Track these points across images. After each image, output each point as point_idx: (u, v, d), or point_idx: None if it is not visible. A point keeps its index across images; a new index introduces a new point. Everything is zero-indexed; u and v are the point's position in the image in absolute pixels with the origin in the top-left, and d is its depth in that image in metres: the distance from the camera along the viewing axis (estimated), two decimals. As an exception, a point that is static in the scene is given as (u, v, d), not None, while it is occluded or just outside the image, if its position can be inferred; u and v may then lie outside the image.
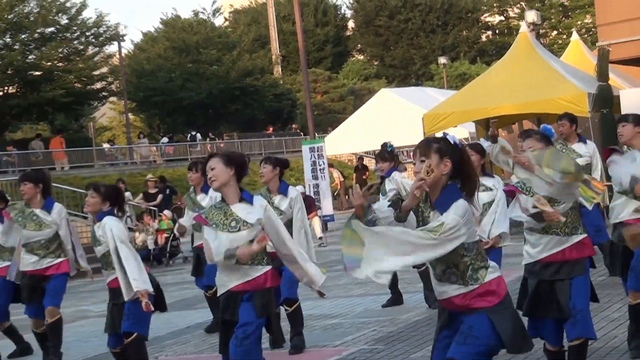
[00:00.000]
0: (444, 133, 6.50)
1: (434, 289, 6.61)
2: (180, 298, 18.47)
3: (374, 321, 13.74)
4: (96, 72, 59.67)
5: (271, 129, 66.04)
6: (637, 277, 9.34)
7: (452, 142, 6.38)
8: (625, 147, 9.75)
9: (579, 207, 8.32)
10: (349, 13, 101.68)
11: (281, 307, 11.46)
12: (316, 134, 39.25)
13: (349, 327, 12.93)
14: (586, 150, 13.54)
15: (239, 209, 8.04)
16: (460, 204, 6.18)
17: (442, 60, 76.90)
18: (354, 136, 44.26)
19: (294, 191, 11.76)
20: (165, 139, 59.87)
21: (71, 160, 46.86)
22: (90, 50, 59.48)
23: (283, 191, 11.62)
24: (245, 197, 8.18)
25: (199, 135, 58.91)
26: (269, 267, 8.22)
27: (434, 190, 6.30)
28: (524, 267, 8.24)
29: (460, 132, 42.65)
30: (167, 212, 28.52)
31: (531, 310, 8.10)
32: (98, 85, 60.34)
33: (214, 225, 7.97)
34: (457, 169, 6.35)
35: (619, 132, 9.82)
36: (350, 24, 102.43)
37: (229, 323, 8.19)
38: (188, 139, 58.92)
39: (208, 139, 59.35)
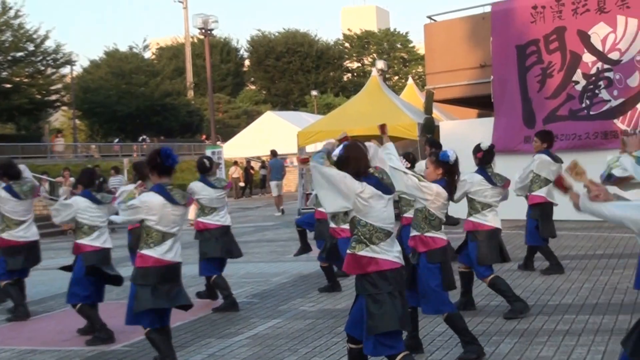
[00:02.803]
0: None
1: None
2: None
3: (252, 281, 13.79)
4: (53, 87, 59.10)
5: (204, 137, 65.98)
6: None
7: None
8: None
9: None
10: (245, 54, 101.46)
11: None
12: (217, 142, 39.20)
13: (233, 285, 12.80)
14: None
15: None
16: None
17: (314, 92, 77.22)
18: (245, 145, 44.37)
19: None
20: (117, 140, 59.87)
21: (29, 151, 46.41)
22: (49, 70, 58.80)
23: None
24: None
25: (147, 139, 58.96)
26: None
27: None
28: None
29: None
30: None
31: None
32: (53, 97, 59.59)
33: None
34: None
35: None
36: (247, 62, 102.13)
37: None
38: (139, 141, 58.98)
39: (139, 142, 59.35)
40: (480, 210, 9.63)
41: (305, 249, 13.77)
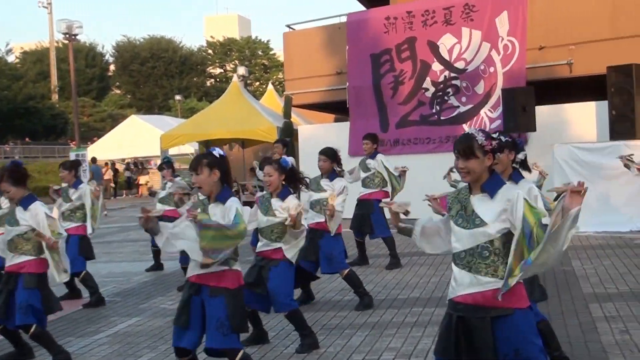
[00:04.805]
0: (211, 148, 6.12)
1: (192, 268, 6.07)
2: None
3: (114, 280, 13.57)
4: None
5: (72, 142, 64.71)
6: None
7: (218, 155, 6.04)
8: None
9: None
10: (111, 59, 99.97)
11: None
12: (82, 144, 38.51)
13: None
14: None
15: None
16: (234, 199, 5.94)
17: (178, 97, 76.72)
18: (110, 148, 43.73)
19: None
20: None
21: None
22: None
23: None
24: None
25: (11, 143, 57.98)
26: None
27: (212, 192, 5.98)
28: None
29: (187, 149, 42.61)
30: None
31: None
32: None
33: None
34: (225, 174, 6.05)
35: (319, 165, 10.05)
36: (112, 67, 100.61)
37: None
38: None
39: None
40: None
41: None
